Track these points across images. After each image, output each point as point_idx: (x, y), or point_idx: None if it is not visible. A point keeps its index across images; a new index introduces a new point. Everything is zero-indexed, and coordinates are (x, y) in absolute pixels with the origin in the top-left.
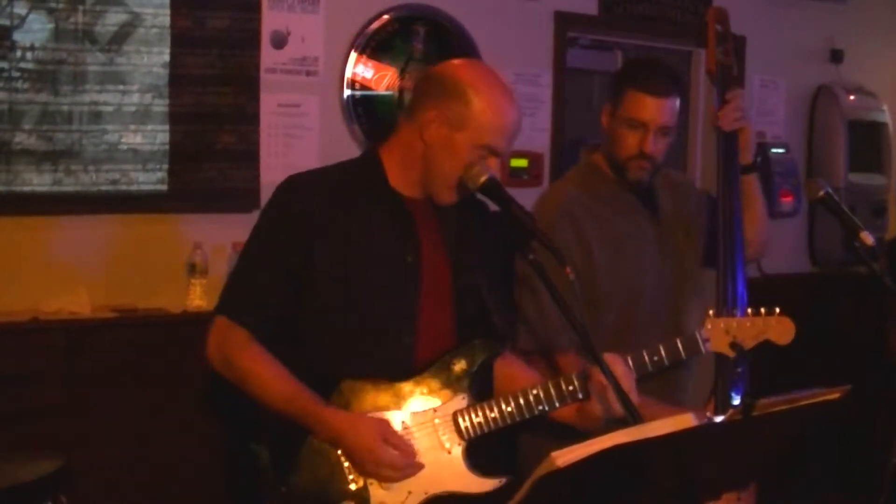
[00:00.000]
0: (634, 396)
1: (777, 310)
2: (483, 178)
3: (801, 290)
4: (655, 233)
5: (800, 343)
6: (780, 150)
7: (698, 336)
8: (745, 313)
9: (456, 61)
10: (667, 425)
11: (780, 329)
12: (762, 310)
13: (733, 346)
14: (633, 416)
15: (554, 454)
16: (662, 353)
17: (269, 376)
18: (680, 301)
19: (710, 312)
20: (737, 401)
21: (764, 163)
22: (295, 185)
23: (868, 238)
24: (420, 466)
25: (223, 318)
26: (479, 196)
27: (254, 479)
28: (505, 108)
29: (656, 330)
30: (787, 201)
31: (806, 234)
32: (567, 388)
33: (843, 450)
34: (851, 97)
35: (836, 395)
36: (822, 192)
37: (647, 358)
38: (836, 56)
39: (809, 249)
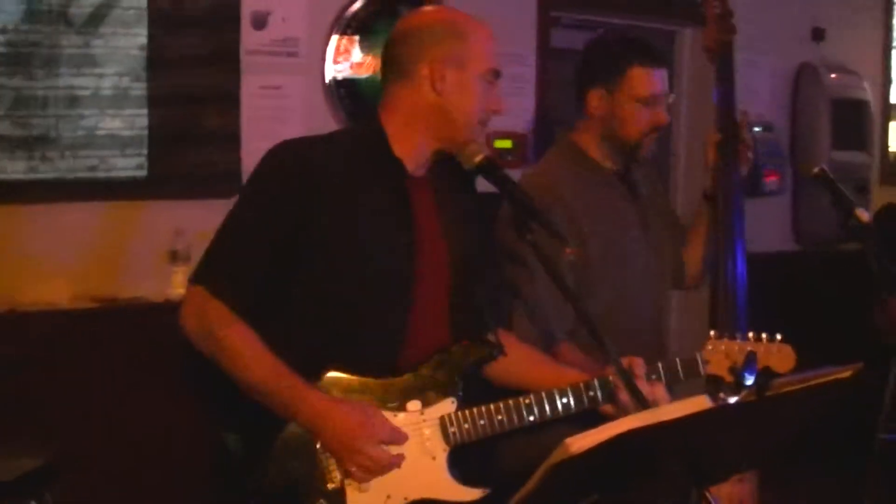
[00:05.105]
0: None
1: (778, 336)
2: (479, 158)
3: (785, 268)
4: (639, 217)
5: (782, 321)
6: (764, 130)
7: (699, 357)
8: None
9: (418, 12)
10: (681, 408)
11: (780, 357)
12: (763, 335)
13: (732, 370)
14: (642, 404)
15: (568, 441)
16: (661, 371)
17: (253, 355)
18: (661, 287)
19: (712, 333)
20: (750, 381)
21: None
22: (290, 147)
23: (864, 215)
24: (400, 458)
25: (200, 289)
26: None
27: (224, 471)
28: (485, 30)
29: (640, 318)
30: (771, 180)
31: (790, 213)
32: (561, 400)
33: (835, 429)
34: (834, 76)
35: (847, 374)
36: (817, 169)
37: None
38: (818, 34)
39: (794, 228)
